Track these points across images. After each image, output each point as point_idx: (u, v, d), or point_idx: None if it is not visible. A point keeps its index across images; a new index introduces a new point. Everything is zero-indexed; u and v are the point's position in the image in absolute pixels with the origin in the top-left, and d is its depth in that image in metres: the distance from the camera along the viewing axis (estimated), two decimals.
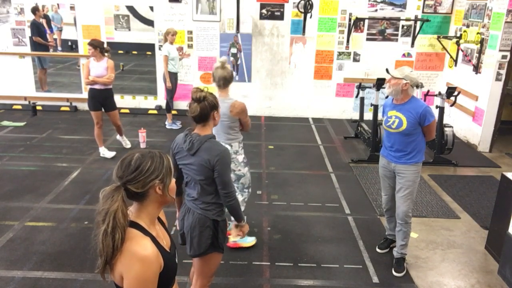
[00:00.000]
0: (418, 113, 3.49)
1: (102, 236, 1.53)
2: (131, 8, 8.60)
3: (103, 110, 5.88)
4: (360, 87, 6.94)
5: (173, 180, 1.75)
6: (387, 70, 3.58)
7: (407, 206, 3.68)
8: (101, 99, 5.79)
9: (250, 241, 4.01)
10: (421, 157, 3.65)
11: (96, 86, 5.70)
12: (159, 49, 7.96)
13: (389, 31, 7.95)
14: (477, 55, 6.91)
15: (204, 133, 2.60)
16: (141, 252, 1.56)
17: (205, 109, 2.54)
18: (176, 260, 1.87)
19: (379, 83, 6.25)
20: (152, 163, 1.65)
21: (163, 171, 1.67)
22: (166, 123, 7.45)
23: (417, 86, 3.60)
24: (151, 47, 8.10)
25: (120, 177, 1.62)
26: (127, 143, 6.40)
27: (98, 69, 5.66)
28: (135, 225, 1.65)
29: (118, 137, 6.40)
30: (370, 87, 6.79)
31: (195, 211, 2.67)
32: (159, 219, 1.86)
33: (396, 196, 3.75)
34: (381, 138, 6.09)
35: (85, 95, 8.03)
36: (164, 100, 7.90)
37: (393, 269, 3.76)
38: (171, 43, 7.00)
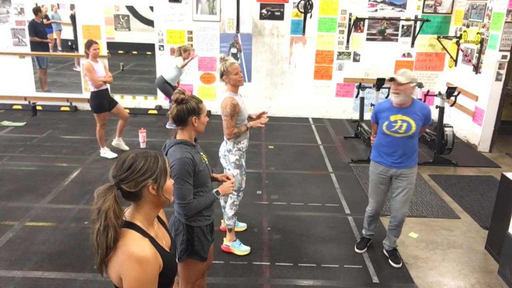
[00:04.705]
0: (424, 114, 3.54)
1: (95, 234, 1.55)
2: (131, 8, 8.60)
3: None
4: (360, 87, 6.93)
5: (170, 181, 1.73)
6: (392, 78, 3.44)
7: (407, 207, 3.73)
8: (108, 98, 5.98)
9: (243, 250, 3.93)
10: (417, 157, 3.71)
11: (104, 86, 5.85)
12: (159, 49, 7.97)
13: (389, 31, 7.95)
14: (477, 55, 6.91)
15: (180, 137, 2.55)
16: (139, 253, 1.56)
17: (181, 112, 2.49)
18: (177, 260, 1.87)
19: (379, 83, 6.25)
20: (145, 163, 1.65)
21: (156, 172, 1.66)
22: (167, 123, 7.46)
23: (419, 86, 3.62)
24: (151, 47, 8.10)
25: (114, 176, 1.64)
26: (124, 146, 6.33)
27: (101, 69, 5.80)
28: (132, 226, 1.64)
29: (115, 141, 6.28)
30: (370, 87, 6.79)
31: (174, 213, 2.63)
32: (159, 219, 1.86)
33: (395, 200, 3.74)
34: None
35: (85, 95, 8.08)
36: (165, 100, 7.94)
37: (391, 261, 3.83)
38: (184, 59, 6.99)
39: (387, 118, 3.56)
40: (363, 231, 4.12)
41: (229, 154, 3.77)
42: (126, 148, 6.33)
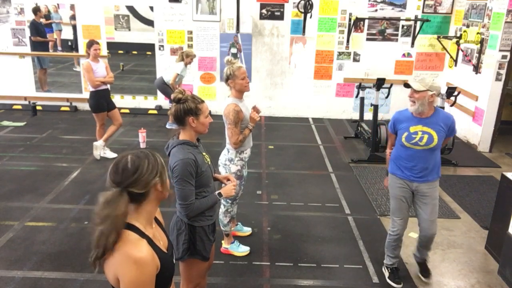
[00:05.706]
0: (448, 125, 3.25)
1: (97, 235, 1.54)
2: (131, 8, 8.60)
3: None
4: (360, 87, 6.93)
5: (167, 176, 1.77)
6: (407, 85, 3.18)
7: (436, 225, 3.44)
8: (107, 98, 5.92)
9: (243, 251, 3.91)
10: (440, 170, 3.41)
11: (103, 86, 5.81)
12: (159, 49, 7.97)
13: (389, 31, 7.95)
14: (477, 55, 6.91)
15: (182, 137, 2.55)
16: (136, 254, 1.55)
17: (177, 112, 2.48)
18: (174, 261, 1.87)
19: (379, 83, 6.25)
20: (149, 162, 1.66)
21: (159, 169, 1.69)
22: (167, 122, 7.47)
23: (439, 95, 3.30)
24: (151, 47, 8.10)
25: (119, 183, 1.60)
26: (102, 154, 5.97)
27: (101, 69, 5.76)
28: (131, 227, 1.64)
29: (97, 142, 5.93)
30: (370, 87, 6.79)
31: (176, 212, 2.63)
32: (156, 220, 1.85)
33: (423, 219, 3.40)
34: (381, 138, 6.07)
35: (85, 95, 8.08)
36: (165, 100, 7.95)
37: (420, 274, 3.65)
38: (186, 65, 6.96)
39: (407, 129, 3.26)
40: (389, 261, 3.63)
41: (230, 164, 3.65)
42: (97, 158, 5.90)
